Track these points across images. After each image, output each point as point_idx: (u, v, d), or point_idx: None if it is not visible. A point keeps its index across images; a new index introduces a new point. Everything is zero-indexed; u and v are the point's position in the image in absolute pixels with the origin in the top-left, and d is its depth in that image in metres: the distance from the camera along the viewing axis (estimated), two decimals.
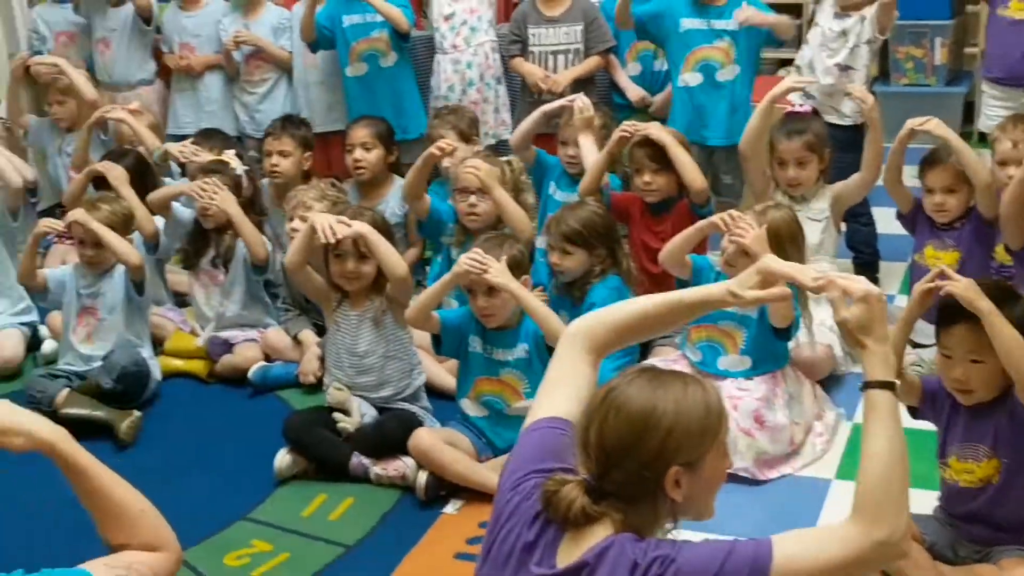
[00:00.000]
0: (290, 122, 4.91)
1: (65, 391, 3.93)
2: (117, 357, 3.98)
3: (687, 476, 1.76)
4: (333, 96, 5.37)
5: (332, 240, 3.45)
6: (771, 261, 2.01)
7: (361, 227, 3.48)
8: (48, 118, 5.44)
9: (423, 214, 4.38)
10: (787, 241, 3.51)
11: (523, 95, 5.13)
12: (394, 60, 5.20)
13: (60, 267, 4.36)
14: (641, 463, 1.74)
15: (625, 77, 5.06)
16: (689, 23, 4.63)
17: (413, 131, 5.16)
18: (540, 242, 4.19)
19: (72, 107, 5.29)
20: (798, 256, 3.49)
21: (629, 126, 4.12)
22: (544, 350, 3.35)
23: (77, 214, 4.05)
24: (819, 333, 3.75)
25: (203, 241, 4.41)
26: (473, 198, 4.12)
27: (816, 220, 4.13)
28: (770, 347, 3.56)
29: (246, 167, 4.46)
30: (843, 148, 4.42)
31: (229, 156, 4.46)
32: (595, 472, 1.77)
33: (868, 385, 1.83)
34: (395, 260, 3.53)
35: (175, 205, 4.46)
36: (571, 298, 3.87)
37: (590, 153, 4.24)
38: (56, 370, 4.10)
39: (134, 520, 1.81)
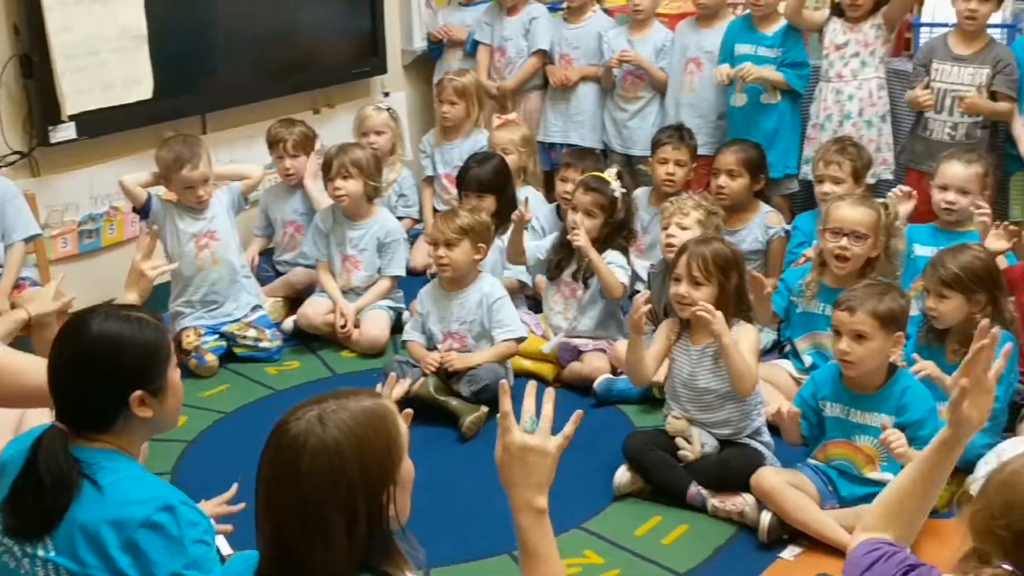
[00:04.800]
0: (687, 133, 5.00)
1: (423, 378, 4.11)
2: (484, 373, 4.07)
3: None
4: (702, 120, 5.35)
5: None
6: None
7: None
8: None
9: None
10: None
11: (914, 130, 4.90)
12: (777, 99, 5.11)
13: None
14: None
15: (1021, 126, 4.71)
16: None
17: (778, 171, 5.06)
18: None
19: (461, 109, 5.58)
20: None
21: None
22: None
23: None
24: None
25: (568, 254, 4.48)
26: (846, 240, 3.96)
27: None
28: None
29: (623, 190, 4.44)
30: None
31: (611, 176, 4.45)
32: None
33: None
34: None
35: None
36: (942, 347, 3.67)
37: None
38: (415, 360, 4.24)
39: None
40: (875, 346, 3.26)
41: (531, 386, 1.99)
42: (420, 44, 6.28)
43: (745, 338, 3.51)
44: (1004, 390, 3.58)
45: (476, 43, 5.98)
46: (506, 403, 1.93)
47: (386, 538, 1.77)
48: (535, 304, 4.81)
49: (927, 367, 3.38)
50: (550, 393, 1.99)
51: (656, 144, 4.98)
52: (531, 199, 4.79)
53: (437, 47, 6.19)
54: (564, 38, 5.77)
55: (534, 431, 1.92)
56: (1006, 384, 3.57)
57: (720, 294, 3.53)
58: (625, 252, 4.45)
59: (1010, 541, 1.68)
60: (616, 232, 4.42)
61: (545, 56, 5.80)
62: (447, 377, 4.12)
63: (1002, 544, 1.69)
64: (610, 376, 4.26)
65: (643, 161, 5.29)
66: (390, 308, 4.81)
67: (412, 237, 5.46)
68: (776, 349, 4.43)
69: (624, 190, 4.43)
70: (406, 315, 4.78)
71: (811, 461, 3.43)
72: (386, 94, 6.12)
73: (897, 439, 3.13)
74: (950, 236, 4.09)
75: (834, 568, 3.13)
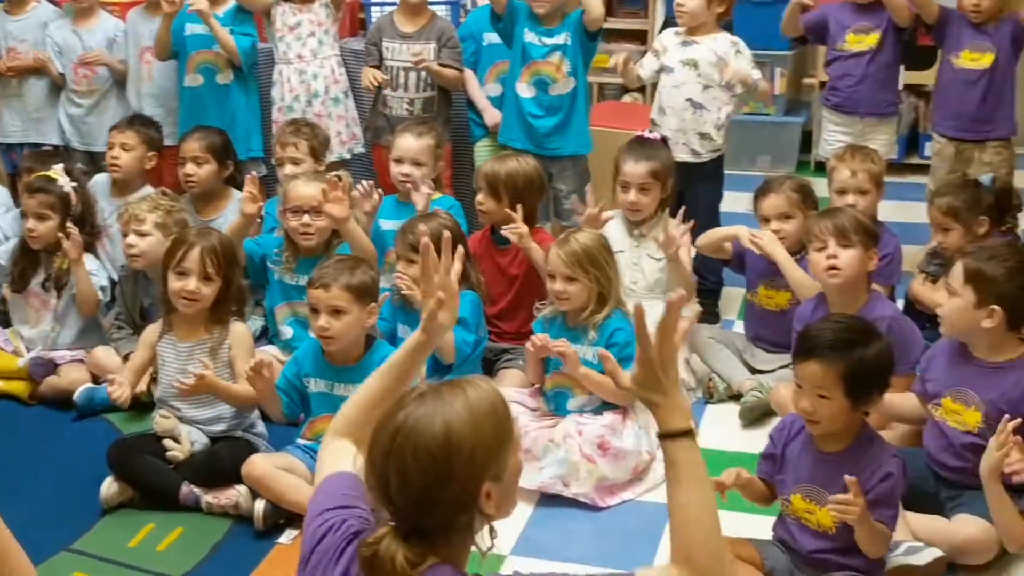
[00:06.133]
0: (139, 119, 4.87)
1: None
2: None
3: (496, 486, 1.71)
4: (165, 109, 5.20)
5: None
6: None
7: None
8: None
9: None
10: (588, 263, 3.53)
11: (374, 107, 5.03)
12: (231, 78, 5.06)
13: None
14: (454, 498, 1.67)
15: (483, 97, 4.95)
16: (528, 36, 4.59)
17: (241, 153, 4.99)
18: None
19: None
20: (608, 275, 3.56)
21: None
22: None
23: None
24: None
25: (31, 262, 4.23)
26: (307, 217, 4.02)
27: (655, 258, 4.12)
28: None
29: (74, 183, 4.25)
30: (699, 180, 4.52)
31: (57, 172, 4.25)
32: (404, 517, 1.70)
33: (667, 436, 1.81)
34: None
35: None
36: (414, 310, 3.82)
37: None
38: None
39: None
40: (351, 319, 3.34)
41: None
42: None
43: (240, 342, 3.53)
44: (474, 347, 3.80)
45: None
46: None
47: None
48: (3, 317, 4.46)
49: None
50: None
51: (109, 132, 4.84)
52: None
53: None
54: (8, 31, 5.38)
55: None
56: (474, 339, 3.80)
57: (226, 288, 3.52)
58: (93, 250, 4.28)
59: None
60: (81, 228, 4.19)
61: None
62: None
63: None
64: (91, 385, 4.04)
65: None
66: None
67: None
68: (263, 336, 4.41)
69: (75, 184, 4.25)
70: None
71: (300, 441, 3.45)
72: None
73: None
74: (412, 209, 4.25)
75: None
